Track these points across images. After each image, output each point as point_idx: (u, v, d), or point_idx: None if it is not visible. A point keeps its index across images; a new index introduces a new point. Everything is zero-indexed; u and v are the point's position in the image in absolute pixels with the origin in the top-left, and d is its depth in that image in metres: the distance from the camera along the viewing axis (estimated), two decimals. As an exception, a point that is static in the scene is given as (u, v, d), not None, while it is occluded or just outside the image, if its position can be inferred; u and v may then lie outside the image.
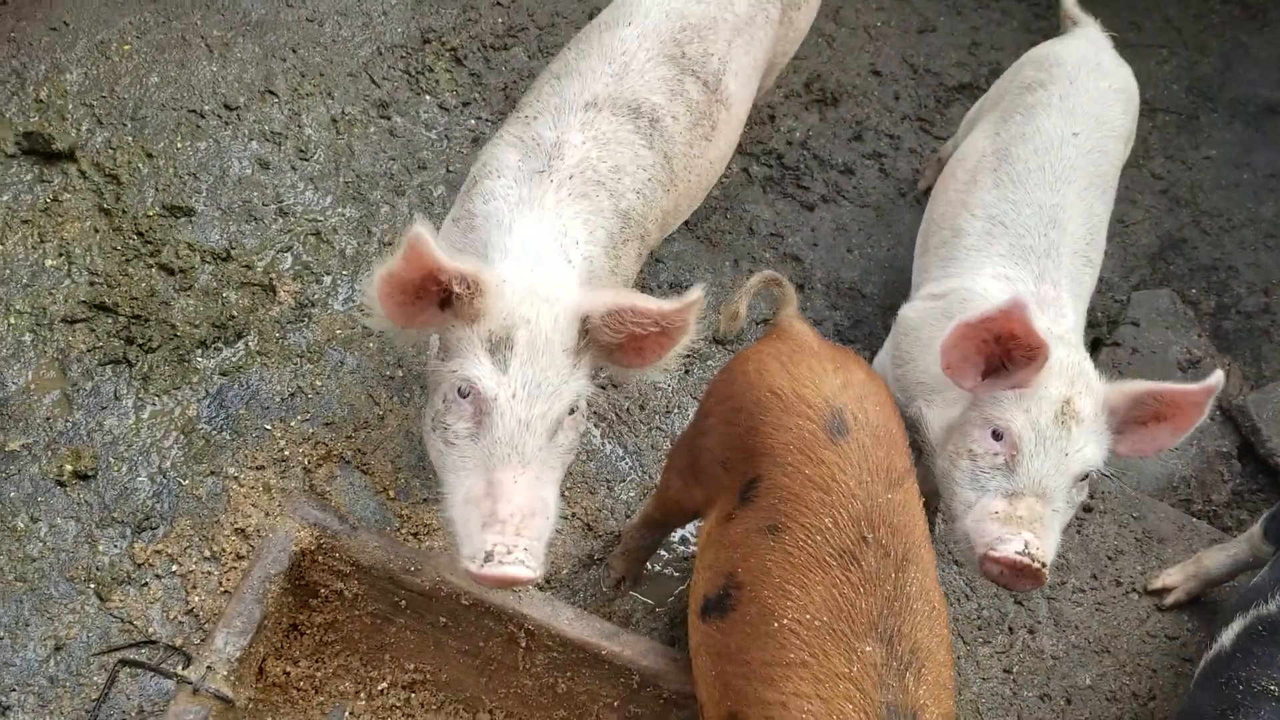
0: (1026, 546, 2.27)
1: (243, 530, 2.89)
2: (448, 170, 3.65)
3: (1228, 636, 2.71)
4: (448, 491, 2.08)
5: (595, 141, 2.46)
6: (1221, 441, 3.73)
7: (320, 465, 3.03)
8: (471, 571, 1.98)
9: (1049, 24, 4.58)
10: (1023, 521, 2.32)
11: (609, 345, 2.14)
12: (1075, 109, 3.05)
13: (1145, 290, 4.04)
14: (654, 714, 2.55)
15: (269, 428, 3.07)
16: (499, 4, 4.09)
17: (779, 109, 4.10)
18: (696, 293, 2.07)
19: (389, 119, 3.69)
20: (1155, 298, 4.01)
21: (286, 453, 3.04)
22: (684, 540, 3.14)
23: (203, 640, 2.62)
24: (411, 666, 2.66)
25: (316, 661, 2.64)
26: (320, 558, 2.51)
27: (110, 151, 3.41)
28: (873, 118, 4.18)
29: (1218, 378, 2.35)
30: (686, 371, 3.45)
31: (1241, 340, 4.03)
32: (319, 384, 3.16)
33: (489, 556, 1.96)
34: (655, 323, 2.08)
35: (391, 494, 3.04)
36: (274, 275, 3.29)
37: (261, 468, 3.00)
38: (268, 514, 2.93)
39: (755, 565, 2.17)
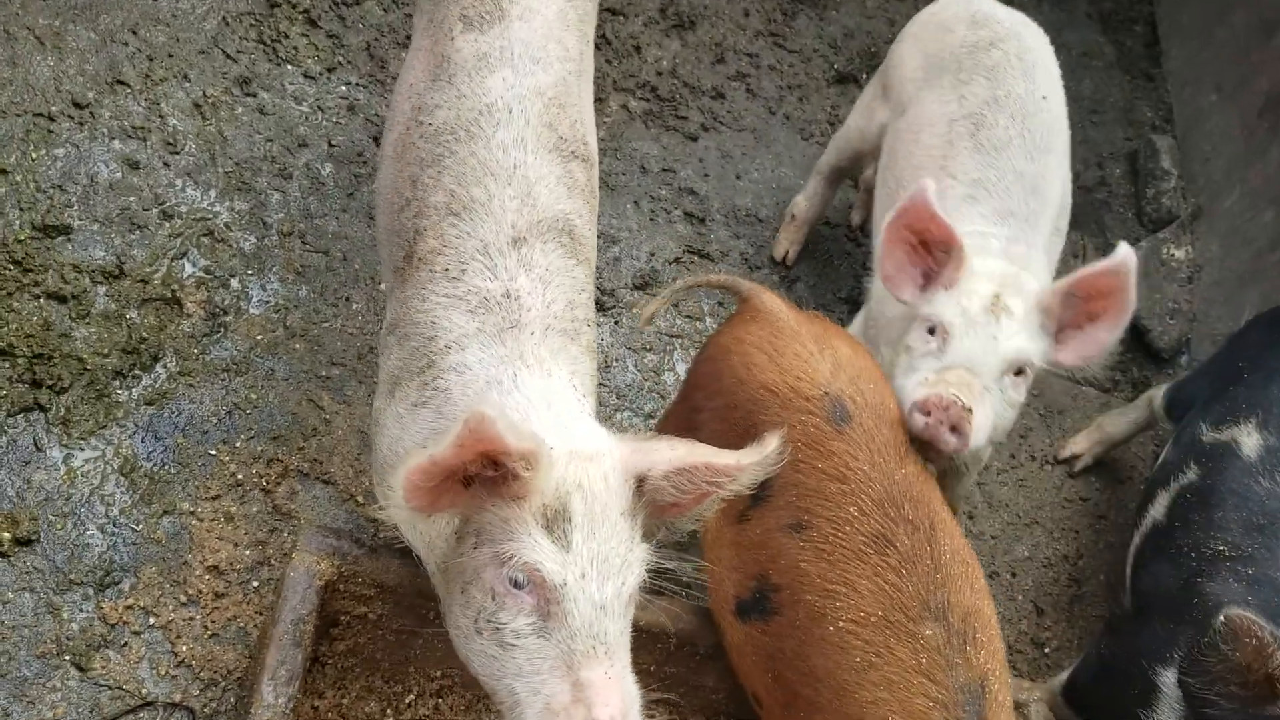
0: (957, 397, 2.32)
1: (215, 567, 2.71)
2: (330, 145, 3.42)
3: (1158, 510, 2.86)
4: (515, 703, 1.76)
5: (542, 282, 2.16)
6: (1091, 312, 4.05)
7: (279, 483, 2.86)
8: None
9: (870, -74, 4.68)
10: (949, 384, 2.37)
11: (665, 505, 1.88)
12: (1034, 69, 3.00)
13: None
14: (690, 670, 2.61)
15: (214, 453, 2.86)
16: (336, -45, 3.82)
17: (641, 38, 4.04)
18: (774, 441, 1.84)
19: (255, 96, 3.41)
20: (1007, 184, 4.25)
21: (239, 476, 2.85)
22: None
23: (241, 695, 2.47)
24: (438, 673, 2.60)
25: (340, 690, 2.54)
26: (342, 585, 2.40)
27: (-48, 173, 3.01)
28: (729, 38, 4.19)
29: (1124, 251, 2.42)
30: (616, 323, 3.43)
31: (1086, 214, 4.34)
32: (254, 397, 2.96)
33: None
34: (731, 478, 1.83)
35: (360, 500, 2.91)
36: (175, 286, 3.03)
37: (217, 497, 2.80)
38: (236, 545, 2.76)
39: (787, 565, 2.17)
